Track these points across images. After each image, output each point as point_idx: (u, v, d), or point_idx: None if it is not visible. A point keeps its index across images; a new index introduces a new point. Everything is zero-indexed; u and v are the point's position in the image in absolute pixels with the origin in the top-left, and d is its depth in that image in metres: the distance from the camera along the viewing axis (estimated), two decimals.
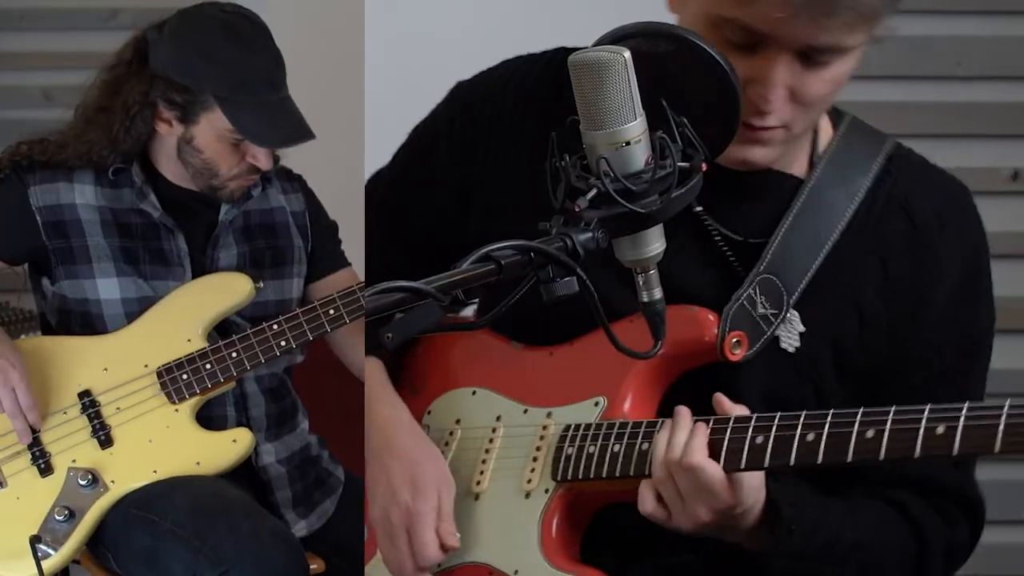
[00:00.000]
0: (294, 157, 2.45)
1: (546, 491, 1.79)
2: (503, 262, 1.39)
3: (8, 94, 3.20)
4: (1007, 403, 1.51)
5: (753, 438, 1.64)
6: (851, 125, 1.86)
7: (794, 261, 1.77)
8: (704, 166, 1.52)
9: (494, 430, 1.87)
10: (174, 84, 2.20)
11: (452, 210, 1.93)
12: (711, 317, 1.76)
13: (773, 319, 1.77)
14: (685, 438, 1.67)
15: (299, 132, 2.23)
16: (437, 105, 1.98)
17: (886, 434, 1.56)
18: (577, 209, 1.46)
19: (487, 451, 1.86)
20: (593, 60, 1.46)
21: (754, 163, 1.74)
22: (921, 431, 1.55)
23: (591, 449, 1.77)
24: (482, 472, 1.85)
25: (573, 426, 1.80)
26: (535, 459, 1.82)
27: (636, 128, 1.48)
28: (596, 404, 1.81)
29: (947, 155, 3.07)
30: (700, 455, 1.65)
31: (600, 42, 1.55)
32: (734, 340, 1.76)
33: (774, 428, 1.64)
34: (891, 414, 1.57)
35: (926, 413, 1.55)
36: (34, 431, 2.18)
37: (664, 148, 1.49)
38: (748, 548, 1.74)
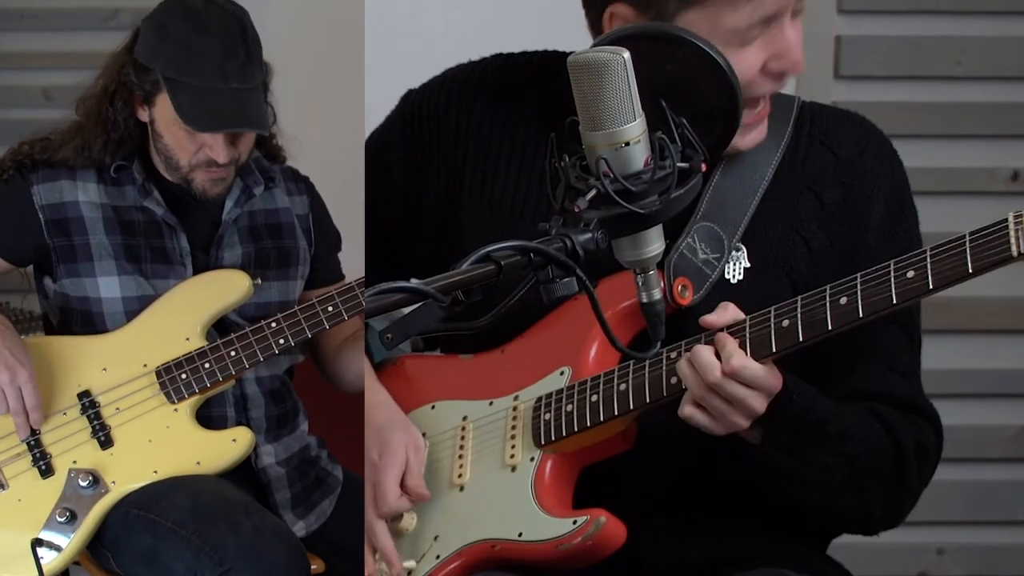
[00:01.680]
0: (294, 157, 2.46)
1: (531, 459, 1.85)
2: (503, 263, 1.39)
3: (8, 94, 3.21)
4: (967, 233, 1.66)
5: (750, 333, 1.76)
6: None
7: (729, 207, 1.89)
8: (704, 166, 1.52)
9: (463, 428, 1.92)
10: (137, 64, 2.22)
11: (404, 217, 2.00)
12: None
13: (716, 262, 1.87)
14: (710, 355, 1.74)
15: (236, 120, 2.20)
16: (390, 114, 2.06)
17: (858, 295, 1.70)
18: (577, 209, 1.46)
19: (461, 447, 1.91)
20: (592, 61, 1.46)
21: (747, 148, 1.88)
22: (892, 279, 1.69)
23: (569, 408, 1.84)
24: (461, 466, 1.90)
25: (545, 396, 1.87)
26: (513, 436, 1.87)
27: (635, 129, 1.48)
28: (562, 373, 1.87)
29: (947, 155, 3.09)
30: (740, 357, 1.73)
31: (599, 43, 1.55)
32: (680, 286, 1.85)
33: (747, 327, 1.76)
34: (858, 277, 1.72)
35: (892, 264, 1.70)
36: (35, 431, 2.18)
37: (663, 149, 1.49)
38: (745, 437, 1.79)
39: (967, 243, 1.65)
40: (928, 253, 1.68)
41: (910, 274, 1.68)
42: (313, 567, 2.25)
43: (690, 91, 1.59)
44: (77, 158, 2.26)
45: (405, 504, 1.90)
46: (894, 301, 1.69)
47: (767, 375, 1.75)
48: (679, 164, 1.49)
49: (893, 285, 1.69)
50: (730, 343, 1.74)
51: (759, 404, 1.75)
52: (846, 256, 1.89)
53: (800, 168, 1.92)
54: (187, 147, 2.23)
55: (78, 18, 3.18)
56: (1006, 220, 1.64)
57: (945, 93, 3.07)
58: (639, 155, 1.48)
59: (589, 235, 1.44)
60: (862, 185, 1.91)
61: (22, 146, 2.29)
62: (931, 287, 1.67)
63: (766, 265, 1.89)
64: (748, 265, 1.88)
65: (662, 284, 1.75)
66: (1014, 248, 1.63)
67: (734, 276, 1.87)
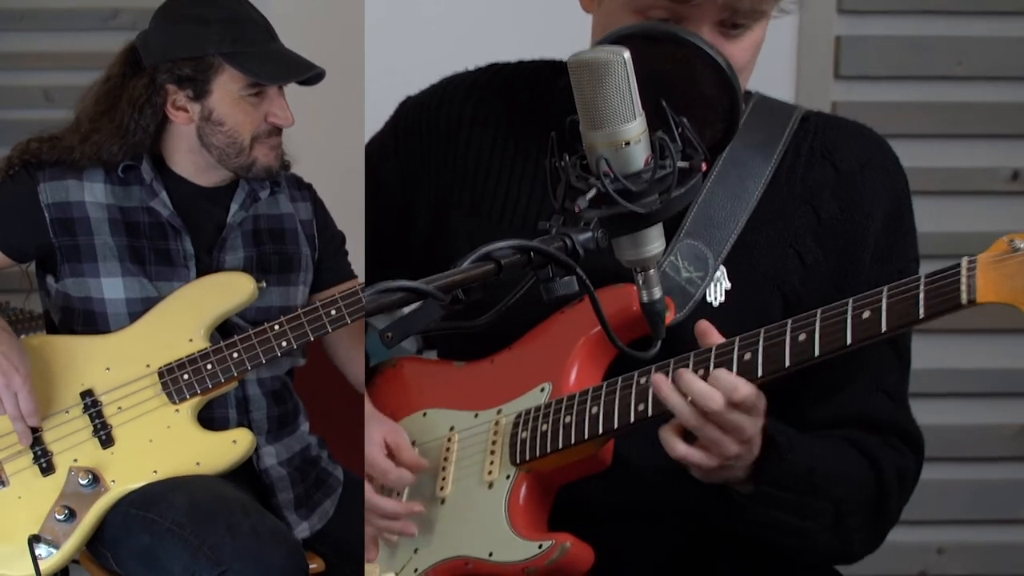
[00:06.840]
0: (295, 155, 2.46)
1: (507, 477, 1.85)
2: (503, 262, 1.39)
3: (8, 94, 3.21)
4: (922, 275, 1.60)
5: (695, 370, 1.71)
6: (761, 98, 1.94)
7: (716, 223, 1.85)
8: (704, 166, 1.53)
9: (449, 439, 1.92)
10: (179, 61, 2.21)
11: (397, 227, 2.00)
12: (635, 289, 1.73)
13: (699, 281, 1.84)
14: (702, 384, 1.68)
15: (309, 66, 2.26)
16: (386, 122, 2.06)
17: (817, 332, 1.64)
18: (577, 209, 1.46)
19: (445, 459, 1.91)
20: (593, 60, 1.46)
21: None
22: (849, 319, 1.62)
23: (544, 427, 1.82)
24: (444, 478, 1.90)
25: (524, 412, 1.86)
26: (492, 452, 1.87)
27: (636, 128, 1.48)
28: (542, 390, 1.87)
29: (947, 155, 3.10)
30: (740, 383, 1.67)
31: (600, 42, 1.55)
32: None
33: (712, 357, 1.71)
34: (818, 313, 1.65)
35: (850, 303, 1.63)
36: (36, 430, 2.18)
37: (664, 148, 1.50)
38: (738, 489, 1.76)
39: (921, 286, 1.59)
40: (885, 293, 1.61)
41: (866, 314, 1.62)
42: (313, 566, 2.25)
43: (690, 91, 1.59)
44: (87, 159, 2.26)
45: (407, 476, 1.88)
46: (848, 342, 1.63)
47: (760, 397, 1.70)
48: (679, 163, 1.50)
49: (849, 325, 1.62)
50: (723, 371, 1.68)
51: (752, 429, 1.70)
52: (840, 272, 1.86)
53: (799, 182, 1.88)
54: (253, 119, 2.24)
55: (78, 18, 3.18)
56: (959, 265, 1.58)
57: (946, 93, 3.07)
58: (639, 154, 1.49)
59: (589, 234, 1.45)
60: (861, 201, 1.87)
61: (30, 143, 2.29)
62: (884, 330, 1.61)
63: (756, 280, 1.86)
64: (729, 286, 1.85)
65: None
66: (964, 296, 1.57)
67: (716, 299, 1.84)
